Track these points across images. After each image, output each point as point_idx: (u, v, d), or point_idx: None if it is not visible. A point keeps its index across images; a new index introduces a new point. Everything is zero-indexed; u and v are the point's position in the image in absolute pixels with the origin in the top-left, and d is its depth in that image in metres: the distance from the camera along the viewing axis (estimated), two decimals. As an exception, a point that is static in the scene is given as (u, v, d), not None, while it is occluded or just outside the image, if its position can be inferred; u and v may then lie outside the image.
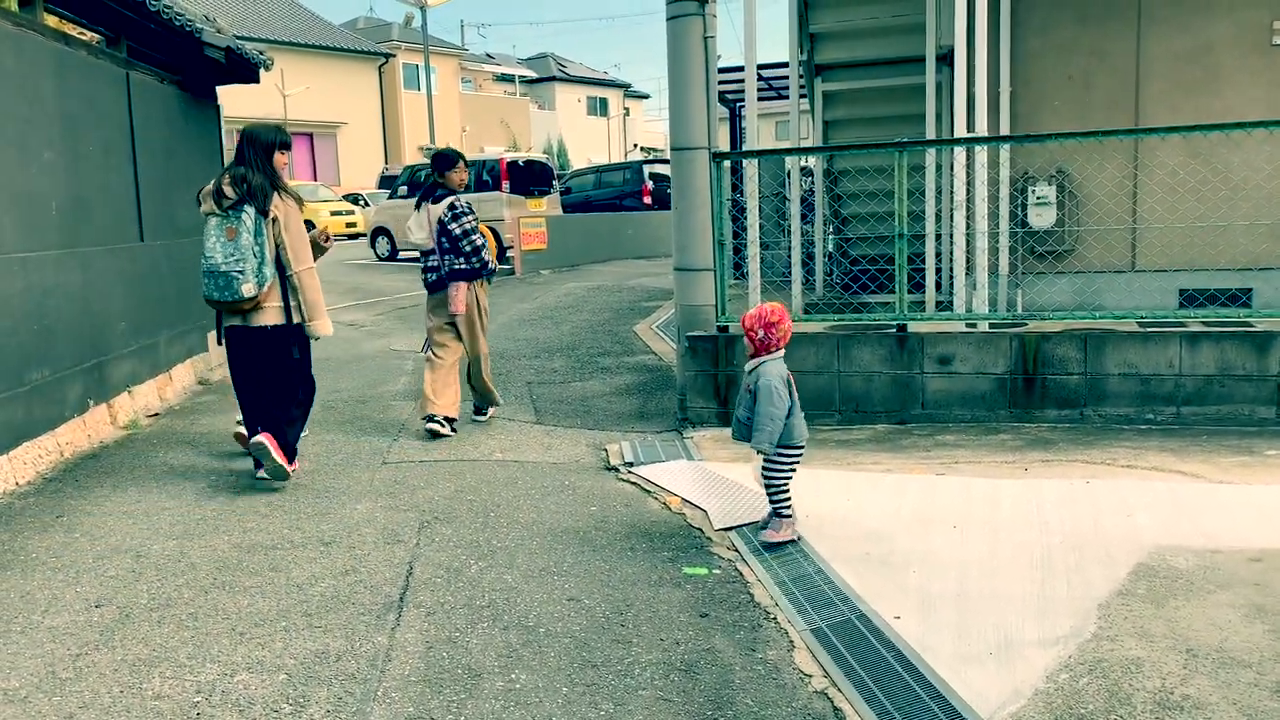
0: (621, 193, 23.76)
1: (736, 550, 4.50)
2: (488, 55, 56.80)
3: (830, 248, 11.08)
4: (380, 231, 22.10)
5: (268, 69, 10.31)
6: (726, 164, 7.31)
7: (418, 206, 6.79)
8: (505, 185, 19.61)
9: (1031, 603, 3.63)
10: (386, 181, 33.82)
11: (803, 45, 10.05)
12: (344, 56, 41.72)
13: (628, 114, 60.17)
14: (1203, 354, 6.10)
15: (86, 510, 5.13)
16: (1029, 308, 7.91)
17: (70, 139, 6.59)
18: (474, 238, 6.62)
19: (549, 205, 20.39)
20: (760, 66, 13.60)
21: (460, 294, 6.63)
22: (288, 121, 37.39)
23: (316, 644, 3.53)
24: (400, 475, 5.77)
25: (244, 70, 9.75)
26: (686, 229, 6.95)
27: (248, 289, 5.18)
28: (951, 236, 7.61)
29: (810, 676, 3.27)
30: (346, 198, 33.43)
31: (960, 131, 7.61)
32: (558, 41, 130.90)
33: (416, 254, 7.63)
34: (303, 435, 5.86)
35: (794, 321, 7.88)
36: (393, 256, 21.74)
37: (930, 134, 9.11)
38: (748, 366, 4.50)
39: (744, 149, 11.74)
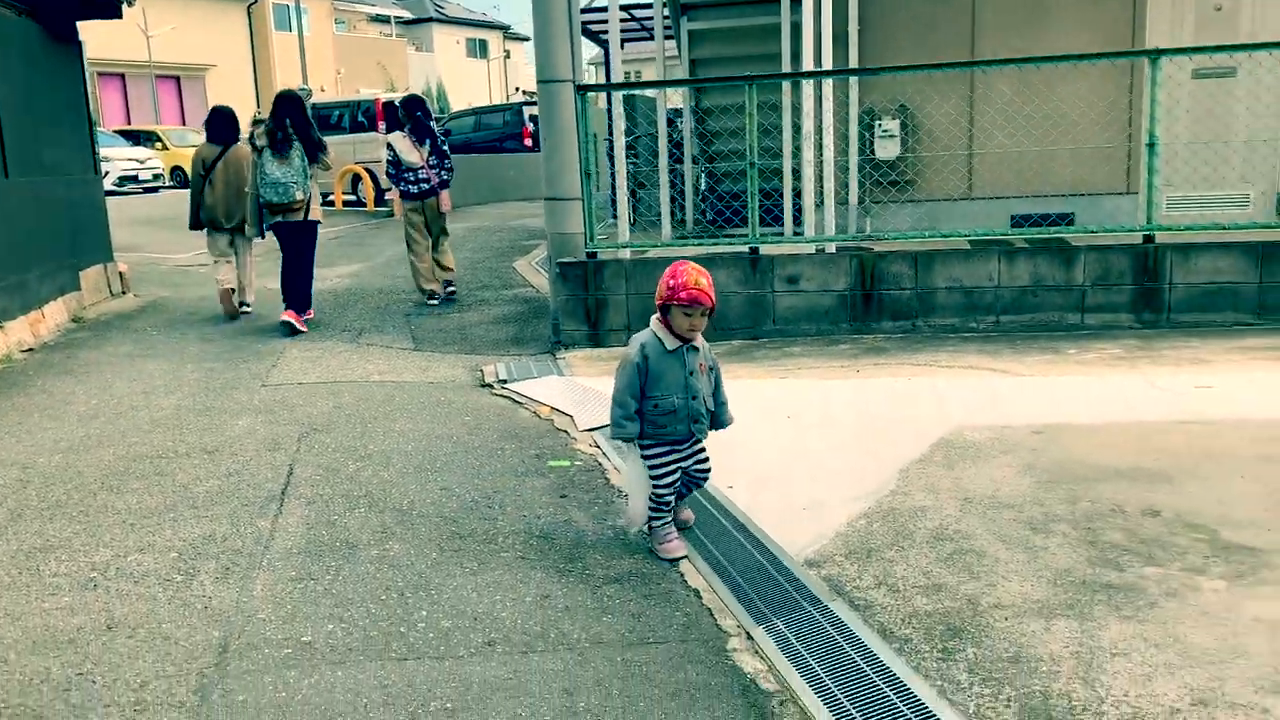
0: (502, 135, 23.78)
1: (598, 447, 4.95)
2: (362, -5, 55.22)
3: (701, 184, 11.56)
4: (255, 175, 21.67)
5: (130, 3, 10.17)
6: (592, 97, 7.65)
7: (418, 139, 9.20)
8: (381, 126, 19.49)
9: (845, 473, 4.18)
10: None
11: (668, -15, 10.40)
12: (210, -4, 40.18)
13: (508, 56, 59.47)
14: (1019, 268, 6.78)
15: (-32, 432, 5.28)
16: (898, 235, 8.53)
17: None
18: (450, 158, 9.44)
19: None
20: (631, 6, 13.90)
21: (446, 196, 9.32)
22: (153, 64, 36.00)
23: (203, 529, 3.85)
24: (279, 396, 6.04)
25: (102, 3, 9.60)
26: (555, 160, 7.30)
27: (298, 195, 7.99)
28: (799, 170, 8.13)
29: (648, 537, 3.74)
30: (218, 143, 32.40)
31: (810, 68, 8.10)
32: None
33: None
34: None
35: (659, 247, 8.36)
36: (268, 200, 21.38)
37: (785, 69, 9.58)
38: (699, 343, 3.60)
39: (606, 84, 12.12)
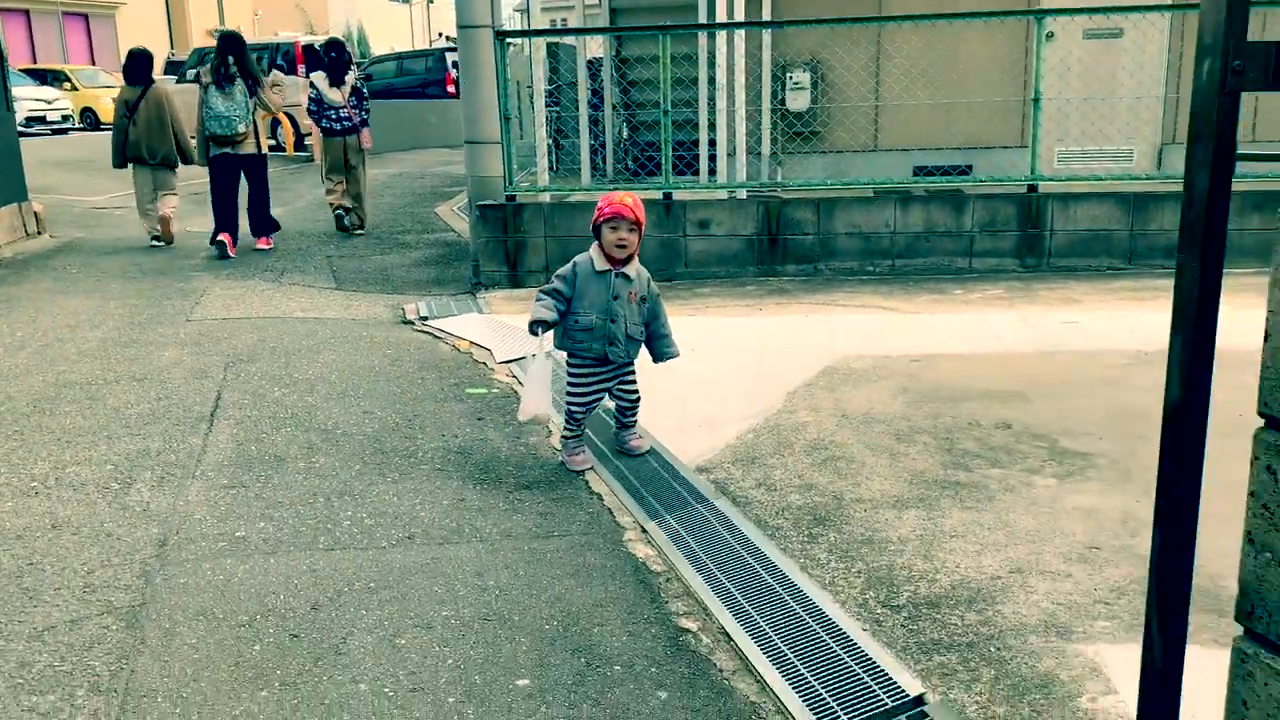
0: (425, 81, 23.60)
1: (514, 377, 5.27)
2: (279, -66, 53.58)
3: (622, 133, 11.80)
4: (171, 117, 21.23)
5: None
6: (518, 44, 7.85)
7: (333, 77, 9.72)
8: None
9: (739, 396, 4.57)
10: (172, 67, 32.00)
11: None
12: (118, -71, 38.74)
13: (431, 1, 58.36)
14: (913, 215, 7.22)
15: (-107, 362, 5.39)
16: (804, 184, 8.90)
17: None
18: (367, 99, 10.08)
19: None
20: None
21: (367, 133, 9.96)
22: (59, 1, 34.71)
23: (138, 445, 4.09)
24: (204, 330, 6.22)
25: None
26: (474, 104, 7.51)
27: (242, 127, 8.61)
28: (715, 122, 8.44)
29: (560, 450, 4.09)
30: (129, 84, 31.50)
31: (724, 20, 8.39)
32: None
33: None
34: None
35: (579, 192, 8.62)
36: (185, 144, 21.00)
37: (702, 20, 9.85)
38: (631, 270, 3.83)
39: (523, 30, 12.30)
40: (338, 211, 10.00)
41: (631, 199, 3.75)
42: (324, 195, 10.43)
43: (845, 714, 2.31)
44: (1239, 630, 1.56)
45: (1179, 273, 1.64)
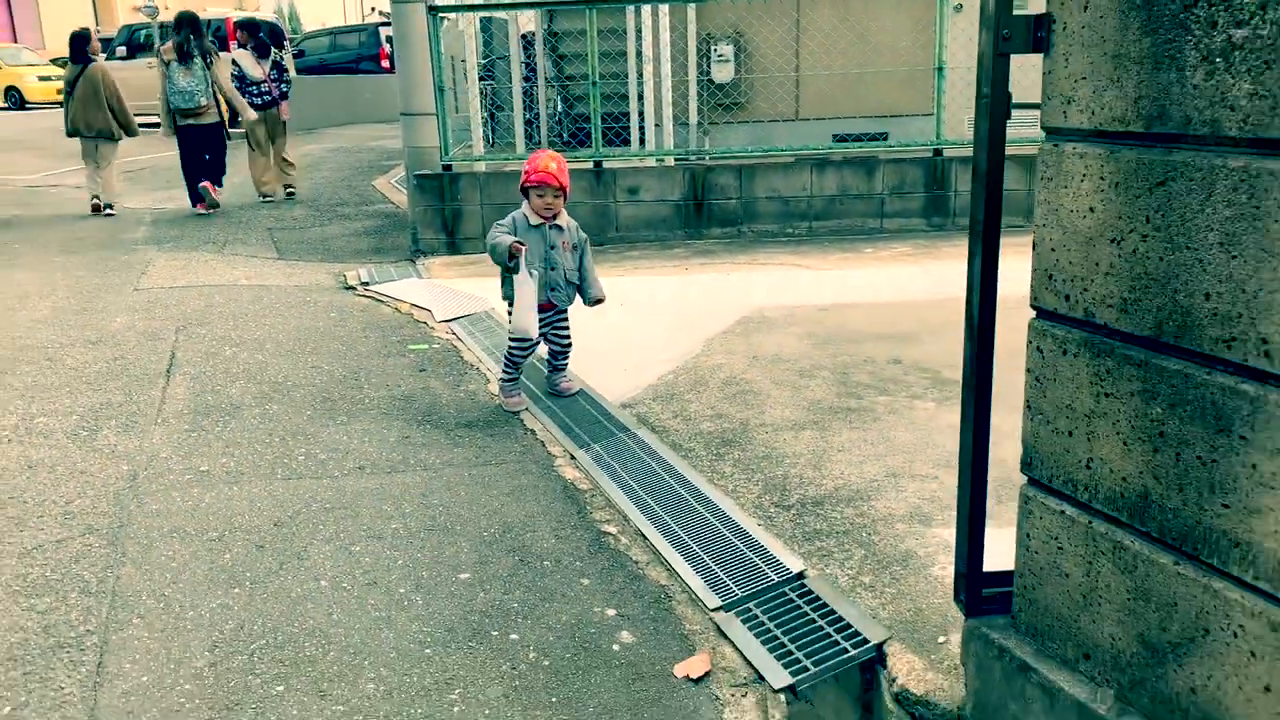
0: (359, 56, 23.57)
1: (454, 334, 5.61)
2: (204, -93, 52.50)
3: (557, 106, 12.09)
4: (99, 95, 21.00)
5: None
6: (452, 19, 8.12)
7: (260, 57, 10.58)
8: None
9: (662, 344, 4.97)
10: (100, 44, 31.47)
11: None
12: (36, -97, 37.74)
13: (363, -23, 57.59)
14: (828, 179, 7.66)
15: None
16: (726, 152, 9.30)
17: None
18: (289, 73, 11.02)
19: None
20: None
21: (286, 106, 10.75)
22: (-25, -25, 33.78)
23: (100, 399, 4.38)
24: (152, 298, 6.46)
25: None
26: (409, 77, 7.80)
27: (203, 101, 9.52)
28: (642, 94, 8.80)
29: (498, 394, 4.46)
30: (55, 62, 30.91)
31: (647, -6, 8.73)
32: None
33: (141, 119, 10.82)
34: None
35: (512, 160, 8.92)
36: (115, 122, 20.79)
37: (631, -3, 10.18)
38: (563, 221, 4.20)
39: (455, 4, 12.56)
40: (272, 189, 10.83)
41: (556, 164, 4.10)
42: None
43: (739, 589, 2.73)
44: (1026, 482, 2.00)
45: (973, 201, 2.06)
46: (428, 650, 2.48)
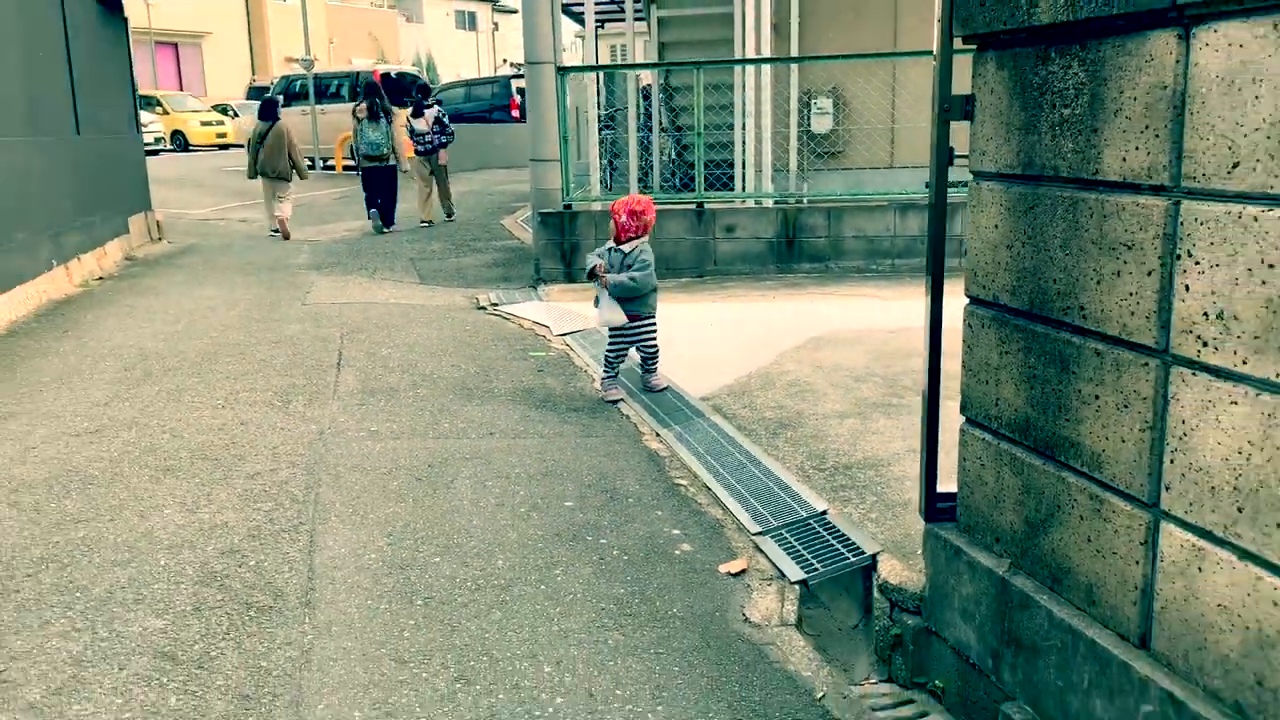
0: (491, 106, 25.21)
1: (568, 345, 6.59)
2: (353, -34, 56.15)
3: (670, 152, 13.13)
4: (258, 139, 23.04)
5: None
6: (570, 74, 9.22)
7: (416, 113, 13.16)
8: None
9: (742, 355, 5.83)
10: (255, 92, 34.11)
11: (640, -23, 11.95)
12: (206, -36, 41.20)
13: (497, 29, 60.51)
14: (910, 221, 8.43)
15: (85, 328, 6.87)
16: (818, 195, 10.15)
17: (26, 48, 8.08)
18: (449, 128, 13.36)
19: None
20: (611, -8, 15.44)
21: (444, 153, 13.20)
22: (151, 30, 37.09)
23: (287, 381, 5.48)
24: (318, 312, 7.63)
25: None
26: (538, 127, 8.90)
27: (385, 149, 12.30)
28: (745, 141, 9.73)
29: (600, 390, 5.39)
30: (215, 108, 33.69)
31: (752, 54, 9.69)
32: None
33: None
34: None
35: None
36: (271, 164, 22.78)
37: (738, 56, 11.16)
38: (626, 248, 5.04)
39: (580, 66, 13.98)
40: (431, 218, 13.34)
41: (621, 203, 5.09)
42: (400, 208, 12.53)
43: (775, 520, 3.57)
44: (964, 420, 2.80)
45: (929, 227, 2.90)
46: (540, 545, 3.40)
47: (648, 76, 13.71)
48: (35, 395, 5.23)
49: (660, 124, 12.83)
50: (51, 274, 8.15)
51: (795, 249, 8.60)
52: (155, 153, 27.36)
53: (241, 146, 26.64)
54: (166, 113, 31.59)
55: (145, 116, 28.59)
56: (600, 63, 18.74)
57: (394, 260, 10.32)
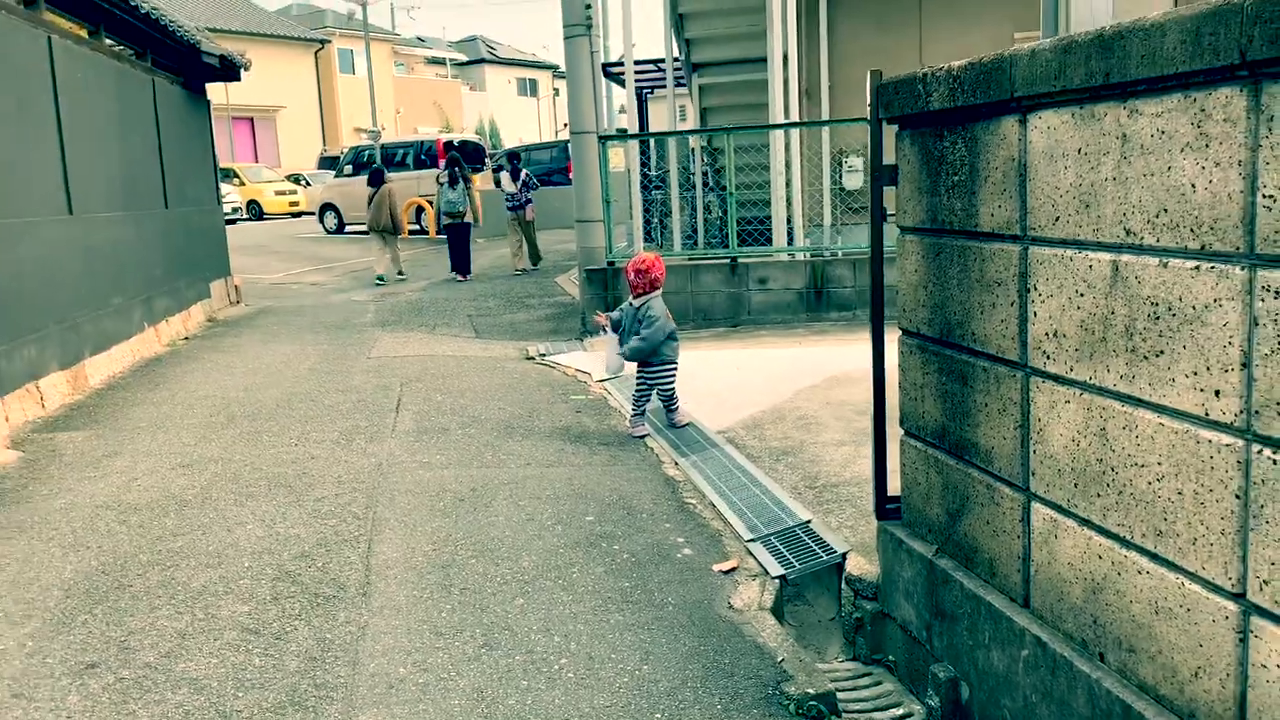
0: (549, 169, 26.22)
1: (606, 390, 7.21)
2: (419, 39, 58.58)
3: (713, 210, 13.82)
4: (328, 207, 24.33)
5: (247, 68, 12.76)
6: (610, 143, 9.97)
7: (514, 175, 15.34)
8: (441, 164, 21.98)
9: (761, 393, 6.39)
10: (326, 162, 35.78)
11: (681, 48, 12.74)
12: (282, 43, 43.44)
13: (557, 94, 62.32)
14: (931, 270, 8.92)
15: (173, 381, 7.68)
16: (844, 248, 10.71)
17: (124, 131, 9.05)
18: (531, 188, 15.40)
19: (480, 181, 22.91)
20: (655, 60, 16.30)
21: (531, 209, 15.37)
22: (230, 106, 39.11)
23: (351, 424, 6.17)
24: (381, 365, 8.37)
25: (230, 70, 12.19)
26: (583, 191, 9.64)
27: (463, 208, 14.47)
28: (780, 198, 10.34)
29: (629, 427, 5.98)
30: (288, 178, 35.38)
31: (781, 118, 10.35)
32: (487, 21, 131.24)
33: (363, 228, 16.09)
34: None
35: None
36: (340, 230, 24.01)
37: (776, 119, 11.84)
38: (637, 303, 5.68)
39: (625, 131, 15.03)
40: (524, 266, 15.44)
41: (641, 259, 5.75)
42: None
43: (765, 529, 4.11)
44: (902, 433, 3.34)
45: (871, 274, 3.47)
46: (561, 550, 3.99)
47: (692, 139, 14.45)
48: (135, 438, 5.98)
49: (705, 183, 13.54)
50: (143, 335, 9.03)
51: (824, 299, 9.16)
52: (233, 221, 28.82)
53: (312, 214, 28.16)
54: (243, 184, 33.24)
55: (224, 188, 30.29)
56: (651, 128, 19.60)
57: (453, 317, 11.08)
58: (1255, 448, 1.88)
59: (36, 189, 7.04)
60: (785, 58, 10.54)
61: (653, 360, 5.79)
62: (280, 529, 4.29)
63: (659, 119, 25.59)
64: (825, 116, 11.00)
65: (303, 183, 34.25)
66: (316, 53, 45.19)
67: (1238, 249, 1.88)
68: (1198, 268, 1.97)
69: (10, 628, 3.40)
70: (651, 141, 13.36)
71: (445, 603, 3.51)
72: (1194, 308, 1.99)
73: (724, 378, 7.00)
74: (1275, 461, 1.84)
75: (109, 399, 7.11)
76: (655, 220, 13.51)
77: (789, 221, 10.31)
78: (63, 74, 7.56)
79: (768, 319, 9.26)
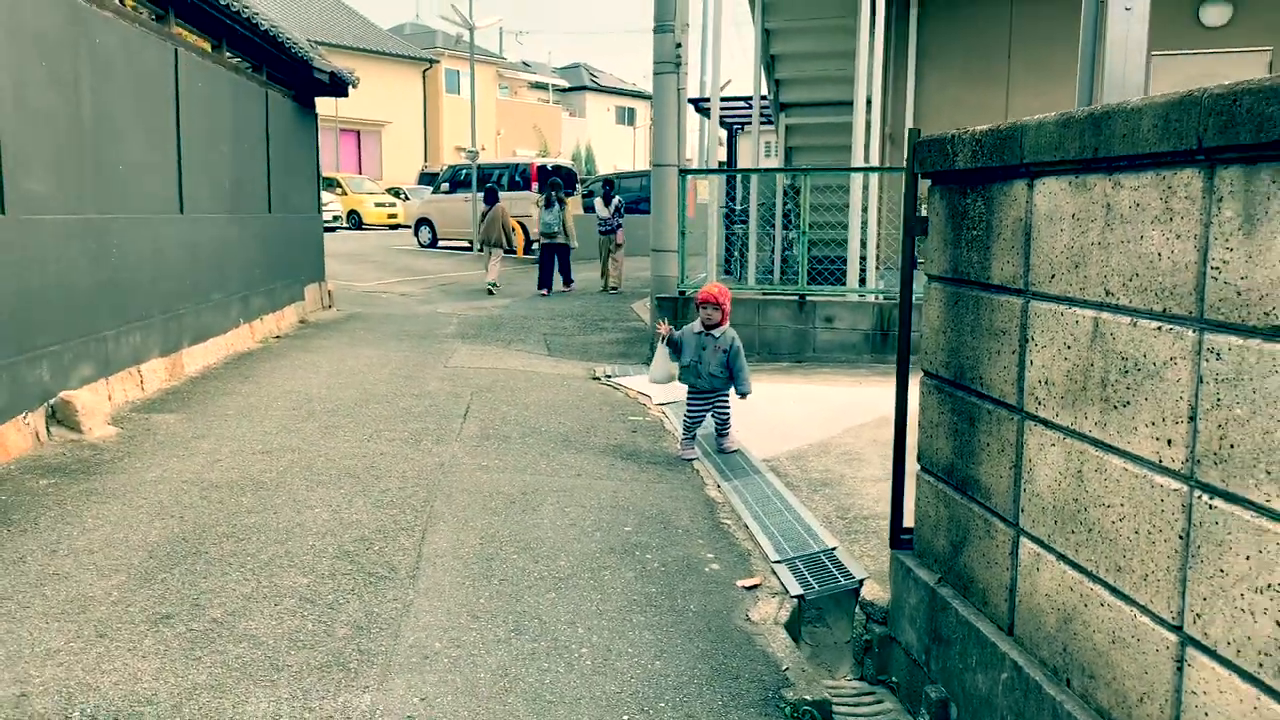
0: (638, 197, 26.71)
1: (664, 413, 7.48)
2: (524, 63, 59.98)
3: (795, 247, 14.04)
4: (424, 222, 25.15)
5: (355, 86, 13.42)
6: (690, 176, 10.29)
7: (605, 202, 16.83)
8: (534, 186, 22.62)
9: (810, 428, 6.60)
10: (426, 178, 36.87)
11: (770, 88, 13.04)
12: (393, 61, 44.99)
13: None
14: (997, 320, 9.01)
15: (261, 375, 8.19)
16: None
17: (236, 138, 9.67)
18: (622, 214, 16.85)
19: (571, 205, 23.48)
20: (744, 98, 16.64)
21: (620, 233, 16.72)
22: (339, 118, 40.63)
23: (421, 426, 6.55)
24: (456, 374, 8.78)
25: (339, 86, 12.85)
26: (661, 221, 9.98)
27: (557, 229, 15.89)
28: (859, 239, 10.54)
29: (679, 448, 6.24)
30: (388, 191, 36.55)
31: (862, 161, 10.56)
32: (592, 49, 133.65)
33: (456, 243, 17.68)
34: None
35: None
36: (433, 244, 24.78)
37: (857, 162, 12.05)
38: (716, 332, 5.92)
39: (708, 167, 15.58)
40: (610, 285, 16.63)
41: (717, 289, 5.97)
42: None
43: (792, 552, 4.34)
44: (919, 468, 3.55)
45: (900, 319, 3.69)
46: (597, 554, 4.27)
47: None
48: (221, 423, 6.45)
49: (786, 220, 13.78)
50: (238, 330, 9.60)
51: (889, 340, 9.31)
52: (332, 229, 29.89)
53: (408, 227, 29.11)
54: (345, 194, 34.38)
55: (325, 196, 31.41)
56: (740, 163, 19.94)
57: (528, 334, 11.49)
58: (1196, 493, 2.08)
59: (154, 188, 7.63)
60: (869, 103, 10.76)
61: (719, 388, 6.04)
62: (345, 514, 4.66)
63: (746, 154, 25.89)
64: (905, 159, 11.16)
65: (402, 196, 35.33)
66: (425, 71, 46.64)
67: (1190, 313, 2.09)
68: (1159, 328, 2.18)
69: (100, 578, 3.80)
70: (736, 177, 13.70)
71: (484, 591, 3.82)
72: (1155, 364, 2.20)
73: (779, 410, 7.22)
74: (1211, 506, 2.04)
75: (201, 387, 7.63)
76: (736, 253, 13.80)
77: (862, 262, 10.49)
78: (185, 83, 8.17)
79: (832, 357, 9.45)
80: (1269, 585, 1.89)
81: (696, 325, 6.04)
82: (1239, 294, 1.96)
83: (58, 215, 6.07)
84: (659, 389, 8.31)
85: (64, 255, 6.13)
